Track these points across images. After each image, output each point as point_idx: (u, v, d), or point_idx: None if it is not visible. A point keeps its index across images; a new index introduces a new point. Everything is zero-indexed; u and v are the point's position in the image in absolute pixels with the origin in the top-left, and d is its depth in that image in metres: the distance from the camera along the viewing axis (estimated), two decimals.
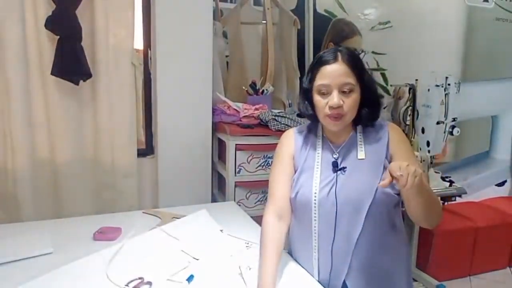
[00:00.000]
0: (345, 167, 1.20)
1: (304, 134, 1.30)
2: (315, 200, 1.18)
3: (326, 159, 1.23)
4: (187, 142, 2.11)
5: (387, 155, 1.20)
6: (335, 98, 1.14)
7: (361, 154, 1.21)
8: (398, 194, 1.18)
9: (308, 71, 1.23)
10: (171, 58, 2.02)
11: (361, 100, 1.19)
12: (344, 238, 1.17)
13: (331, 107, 1.14)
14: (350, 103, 1.15)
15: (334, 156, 1.23)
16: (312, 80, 1.20)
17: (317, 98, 1.18)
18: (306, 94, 1.23)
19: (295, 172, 1.26)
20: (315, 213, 1.19)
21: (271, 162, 2.05)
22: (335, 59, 1.16)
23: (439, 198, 1.17)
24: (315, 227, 1.20)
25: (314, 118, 1.26)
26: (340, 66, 1.15)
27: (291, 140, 1.30)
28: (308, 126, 1.32)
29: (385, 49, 2.85)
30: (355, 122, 1.23)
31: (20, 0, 1.72)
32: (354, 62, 1.17)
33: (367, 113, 1.21)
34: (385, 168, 1.18)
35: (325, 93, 1.16)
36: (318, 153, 1.24)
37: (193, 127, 2.12)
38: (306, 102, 1.24)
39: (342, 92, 1.15)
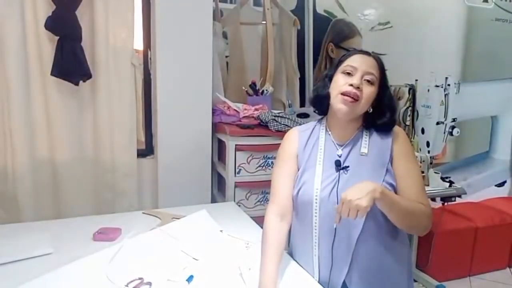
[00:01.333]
0: (348, 166, 1.20)
1: (308, 133, 1.30)
2: (316, 197, 1.19)
3: (329, 157, 1.23)
4: (187, 143, 2.11)
5: (391, 157, 1.20)
6: (357, 79, 1.17)
7: (364, 149, 1.21)
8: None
9: (336, 61, 1.26)
10: (171, 59, 2.02)
11: (376, 101, 1.20)
12: (345, 238, 1.17)
13: (350, 85, 1.16)
14: (367, 93, 1.17)
15: (338, 153, 1.23)
16: (338, 65, 1.23)
17: (338, 76, 1.21)
18: (329, 77, 1.25)
19: (298, 170, 1.26)
20: (316, 211, 1.19)
21: (271, 162, 2.06)
22: (367, 53, 1.23)
23: (420, 211, 1.18)
24: (315, 224, 1.20)
25: (324, 104, 1.25)
26: (370, 59, 1.21)
27: (294, 139, 1.30)
28: (312, 124, 1.32)
29: (384, 50, 2.82)
30: (365, 125, 1.24)
31: (20, 0, 1.72)
32: (382, 65, 1.23)
33: (376, 117, 1.22)
34: (388, 171, 1.18)
35: (348, 73, 1.18)
36: (321, 150, 1.24)
37: (193, 127, 2.12)
38: (326, 80, 1.26)
39: (365, 81, 1.17)
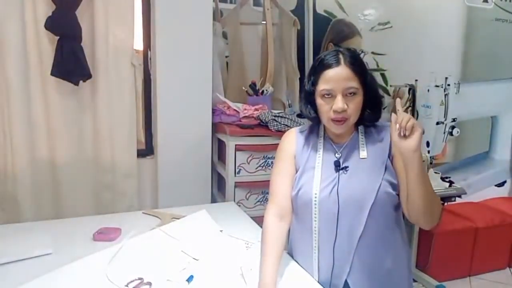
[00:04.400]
0: (347, 166, 1.20)
1: (306, 134, 1.30)
2: (315, 199, 1.19)
3: (328, 159, 1.23)
4: (187, 143, 2.11)
5: (390, 156, 1.20)
6: (339, 102, 1.13)
7: (363, 154, 1.21)
8: (399, 195, 1.19)
9: (310, 74, 1.21)
10: (171, 59, 2.02)
11: (364, 101, 1.19)
12: (346, 237, 1.17)
13: (335, 111, 1.14)
14: (353, 107, 1.15)
15: (337, 155, 1.23)
16: (314, 83, 1.19)
17: (320, 102, 1.18)
18: (309, 97, 1.22)
19: (297, 171, 1.27)
20: (315, 213, 1.19)
21: (271, 162, 2.06)
22: (337, 63, 1.14)
23: (439, 198, 1.17)
24: (315, 226, 1.20)
25: (316, 120, 1.26)
26: (343, 69, 1.13)
27: (292, 140, 1.31)
28: (310, 126, 1.32)
29: (384, 50, 2.85)
30: (357, 122, 1.23)
31: (20, 0, 1.72)
32: (357, 64, 1.15)
33: (370, 114, 1.22)
34: (387, 168, 1.18)
35: (328, 97, 1.15)
36: (320, 153, 1.25)
37: (193, 127, 2.12)
38: (309, 106, 1.24)
39: (346, 96, 1.14)
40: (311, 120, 1.28)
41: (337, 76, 1.13)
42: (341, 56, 1.15)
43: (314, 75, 1.19)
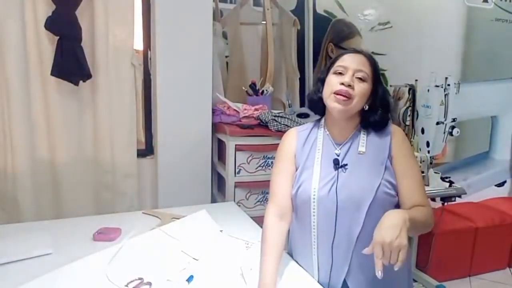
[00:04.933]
0: (346, 164, 1.20)
1: (306, 133, 1.31)
2: (314, 197, 1.19)
3: (328, 157, 1.23)
4: (186, 143, 2.11)
5: (389, 156, 1.21)
6: (347, 77, 1.18)
7: (361, 148, 1.21)
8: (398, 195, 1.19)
9: (329, 63, 1.27)
10: (171, 59, 2.02)
11: (372, 103, 1.21)
12: (345, 236, 1.17)
13: (342, 84, 1.17)
14: (360, 90, 1.18)
15: (336, 152, 1.23)
16: (330, 67, 1.24)
17: (330, 77, 1.22)
18: (321, 81, 1.26)
19: (297, 170, 1.27)
20: (314, 211, 1.19)
21: (271, 162, 2.06)
22: (357, 52, 1.24)
23: (428, 209, 1.18)
24: (314, 224, 1.20)
25: (320, 106, 1.27)
26: (361, 56, 1.22)
27: (292, 139, 1.31)
28: (311, 124, 1.32)
29: (384, 50, 2.85)
30: (362, 124, 1.24)
31: (20, 0, 1.72)
32: (373, 61, 1.24)
33: (379, 117, 1.22)
34: (387, 168, 1.19)
35: (340, 73, 1.20)
36: (319, 150, 1.25)
37: (192, 127, 2.12)
38: (319, 84, 1.27)
39: (357, 79, 1.19)
40: (314, 105, 1.30)
41: (353, 57, 1.22)
42: (361, 50, 1.26)
43: (332, 62, 1.25)
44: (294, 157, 1.28)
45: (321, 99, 1.24)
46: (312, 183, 1.20)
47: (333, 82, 1.20)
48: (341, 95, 1.16)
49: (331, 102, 1.19)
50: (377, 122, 1.23)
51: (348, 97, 1.16)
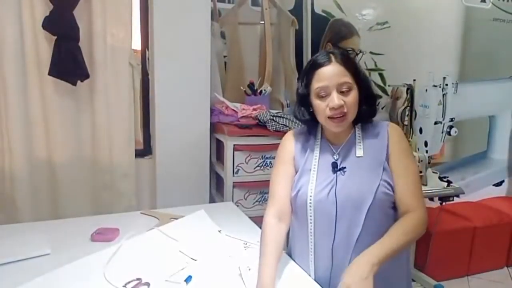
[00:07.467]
0: (345, 167, 1.20)
1: (304, 136, 1.31)
2: (310, 202, 1.19)
3: (325, 161, 1.23)
4: (185, 143, 2.11)
5: (387, 156, 1.20)
6: (335, 99, 1.14)
7: (359, 152, 1.21)
8: None
9: (302, 76, 1.23)
10: (169, 59, 2.02)
11: (359, 98, 1.19)
12: (345, 238, 1.18)
13: (332, 108, 1.15)
14: (350, 101, 1.16)
15: (334, 157, 1.23)
16: (308, 84, 1.20)
17: (316, 102, 1.18)
18: (303, 100, 1.23)
19: (296, 173, 1.27)
20: (310, 216, 1.20)
21: (270, 162, 2.06)
22: (329, 61, 1.16)
23: (418, 218, 1.16)
24: (311, 229, 1.21)
25: (311, 123, 1.27)
26: (335, 66, 1.16)
27: (291, 142, 1.31)
28: (308, 128, 1.32)
29: (383, 50, 2.85)
30: (354, 121, 1.23)
31: (17, 0, 1.71)
32: (348, 62, 1.18)
33: (365, 111, 1.22)
34: (384, 169, 1.18)
35: (324, 96, 1.16)
36: (316, 156, 1.25)
37: (191, 127, 2.12)
38: (303, 108, 1.25)
39: (341, 92, 1.15)
40: (304, 123, 1.29)
41: (330, 72, 1.15)
42: (331, 55, 1.18)
43: (307, 77, 1.20)
44: (293, 160, 1.28)
45: (309, 120, 1.24)
46: (308, 191, 1.20)
47: (322, 108, 1.17)
48: (335, 118, 1.16)
49: (329, 126, 1.20)
50: (366, 115, 1.23)
51: (343, 115, 1.16)
